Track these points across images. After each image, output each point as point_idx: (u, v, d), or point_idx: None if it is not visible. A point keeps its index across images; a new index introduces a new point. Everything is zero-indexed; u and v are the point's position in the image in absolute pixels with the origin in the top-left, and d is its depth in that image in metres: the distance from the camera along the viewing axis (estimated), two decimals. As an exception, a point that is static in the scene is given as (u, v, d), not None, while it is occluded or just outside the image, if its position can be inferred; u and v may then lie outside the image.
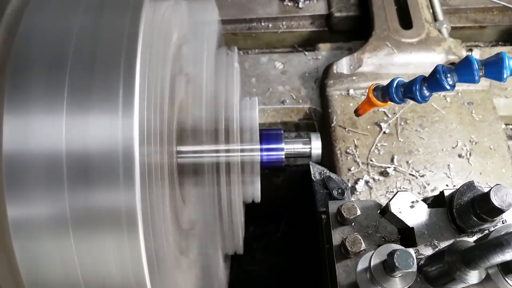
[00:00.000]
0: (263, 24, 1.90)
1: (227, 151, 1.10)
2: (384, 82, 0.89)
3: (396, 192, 0.96)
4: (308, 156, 1.28)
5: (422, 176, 1.38)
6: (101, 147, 0.65)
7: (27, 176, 0.65)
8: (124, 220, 0.65)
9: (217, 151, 1.08)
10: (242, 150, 1.12)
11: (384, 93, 0.88)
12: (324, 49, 1.77)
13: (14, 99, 0.66)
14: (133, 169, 0.64)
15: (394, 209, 0.94)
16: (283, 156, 1.23)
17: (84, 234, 0.67)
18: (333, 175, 1.22)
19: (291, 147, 1.26)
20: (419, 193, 1.35)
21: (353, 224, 0.97)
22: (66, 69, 0.67)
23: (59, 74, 0.67)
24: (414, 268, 0.75)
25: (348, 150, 1.43)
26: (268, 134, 1.24)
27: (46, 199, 0.65)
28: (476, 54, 1.69)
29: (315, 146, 1.27)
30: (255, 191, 1.19)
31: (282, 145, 1.23)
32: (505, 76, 0.73)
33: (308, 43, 1.91)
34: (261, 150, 1.18)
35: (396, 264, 0.74)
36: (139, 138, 0.66)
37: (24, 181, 0.65)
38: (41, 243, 0.67)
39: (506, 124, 1.59)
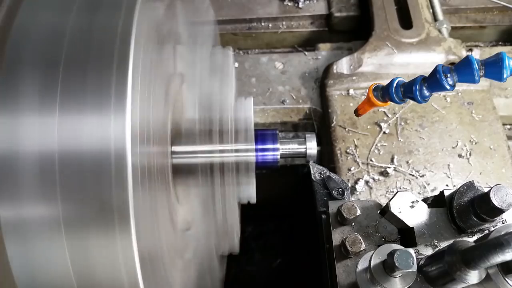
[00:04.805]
0: (263, 24, 1.90)
1: (222, 151, 1.09)
2: (384, 82, 0.89)
3: (396, 192, 0.96)
4: (304, 156, 1.28)
5: (422, 176, 1.38)
6: (93, 147, 0.65)
7: (19, 177, 0.65)
8: (116, 220, 0.65)
9: (211, 151, 1.08)
10: (237, 151, 1.12)
11: (384, 93, 0.88)
12: (324, 49, 1.78)
13: (6, 98, 0.66)
14: (125, 169, 0.64)
15: (394, 209, 0.94)
16: (278, 157, 1.23)
17: (77, 235, 0.67)
18: (333, 175, 1.21)
19: (287, 147, 1.25)
20: (419, 193, 1.35)
21: (353, 224, 0.97)
22: (59, 69, 0.67)
23: (52, 74, 0.67)
24: (414, 268, 0.75)
25: (348, 150, 1.43)
26: (263, 134, 1.23)
27: (38, 199, 0.65)
28: (476, 54, 1.69)
29: (310, 146, 1.27)
30: (250, 192, 1.19)
31: (277, 145, 1.22)
32: (505, 76, 0.73)
33: (308, 43, 1.91)
34: (256, 150, 1.17)
35: (396, 264, 0.74)
36: (132, 138, 0.65)
37: (16, 181, 0.65)
38: (34, 243, 0.67)
39: (504, 124, 1.59)
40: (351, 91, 1.54)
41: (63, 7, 0.74)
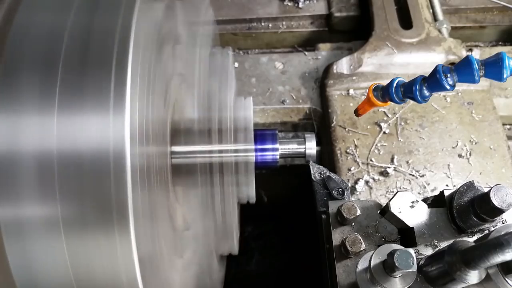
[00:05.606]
0: (263, 24, 1.90)
1: (221, 151, 1.09)
2: (384, 82, 0.88)
3: (396, 192, 0.96)
4: (303, 156, 1.28)
5: (422, 176, 1.38)
6: (92, 147, 0.65)
7: (18, 177, 0.64)
8: (115, 220, 0.65)
9: (210, 151, 1.08)
10: (236, 151, 1.12)
11: (384, 93, 0.88)
12: (324, 49, 1.78)
13: (5, 98, 0.66)
14: (124, 169, 0.64)
15: (394, 209, 0.94)
16: (278, 157, 1.23)
17: (75, 235, 0.67)
18: (333, 175, 1.22)
19: (286, 147, 1.25)
20: (419, 193, 1.35)
21: (353, 224, 0.97)
22: (57, 69, 0.67)
23: (51, 74, 0.67)
24: (414, 268, 0.75)
25: (348, 150, 1.43)
26: (263, 134, 1.23)
27: (37, 200, 0.65)
28: (476, 54, 1.69)
29: (310, 146, 1.27)
30: (249, 192, 1.19)
31: (277, 145, 1.22)
32: (505, 76, 0.72)
33: (308, 43, 1.91)
34: (256, 150, 1.17)
35: (396, 264, 0.74)
36: (131, 138, 0.65)
37: (14, 181, 0.64)
38: (33, 243, 0.67)
39: (504, 124, 1.59)
40: (351, 91, 1.54)
41: (62, 7, 0.74)
